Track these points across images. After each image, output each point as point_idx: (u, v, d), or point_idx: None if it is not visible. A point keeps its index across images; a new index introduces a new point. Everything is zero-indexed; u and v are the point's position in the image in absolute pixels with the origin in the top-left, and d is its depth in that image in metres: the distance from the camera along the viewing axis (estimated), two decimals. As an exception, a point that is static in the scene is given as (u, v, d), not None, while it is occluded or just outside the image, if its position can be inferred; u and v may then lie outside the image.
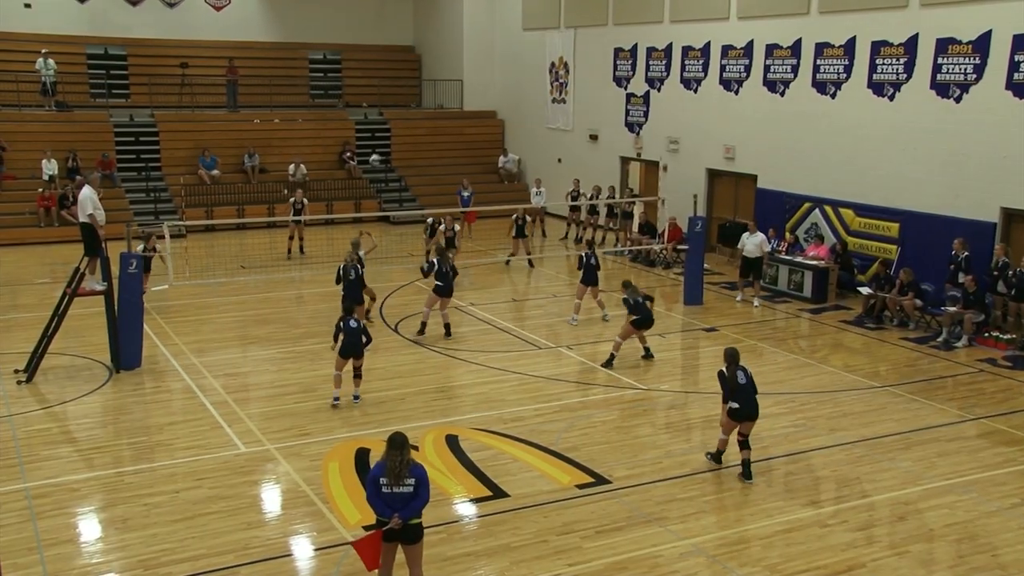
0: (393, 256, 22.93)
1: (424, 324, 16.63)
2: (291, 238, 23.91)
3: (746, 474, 10.88)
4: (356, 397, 13.32)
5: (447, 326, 16.55)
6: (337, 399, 13.17)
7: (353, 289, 15.92)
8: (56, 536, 9.46)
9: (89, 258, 14.44)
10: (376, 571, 8.04)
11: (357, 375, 13.38)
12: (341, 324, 13.12)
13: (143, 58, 31.47)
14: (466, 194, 26.52)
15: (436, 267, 16.51)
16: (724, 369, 10.87)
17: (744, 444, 10.91)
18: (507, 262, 22.87)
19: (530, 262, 22.98)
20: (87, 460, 11.45)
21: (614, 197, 25.74)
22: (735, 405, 10.72)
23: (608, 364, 15.00)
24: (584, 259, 17.65)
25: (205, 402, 13.37)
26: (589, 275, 17.52)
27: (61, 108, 28.75)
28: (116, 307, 14.54)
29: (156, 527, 9.64)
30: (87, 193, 14.39)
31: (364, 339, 13.23)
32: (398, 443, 7.74)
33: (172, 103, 30.42)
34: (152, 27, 31.80)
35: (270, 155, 29.54)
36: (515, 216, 22.67)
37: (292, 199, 24.60)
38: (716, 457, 11.26)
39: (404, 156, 31.81)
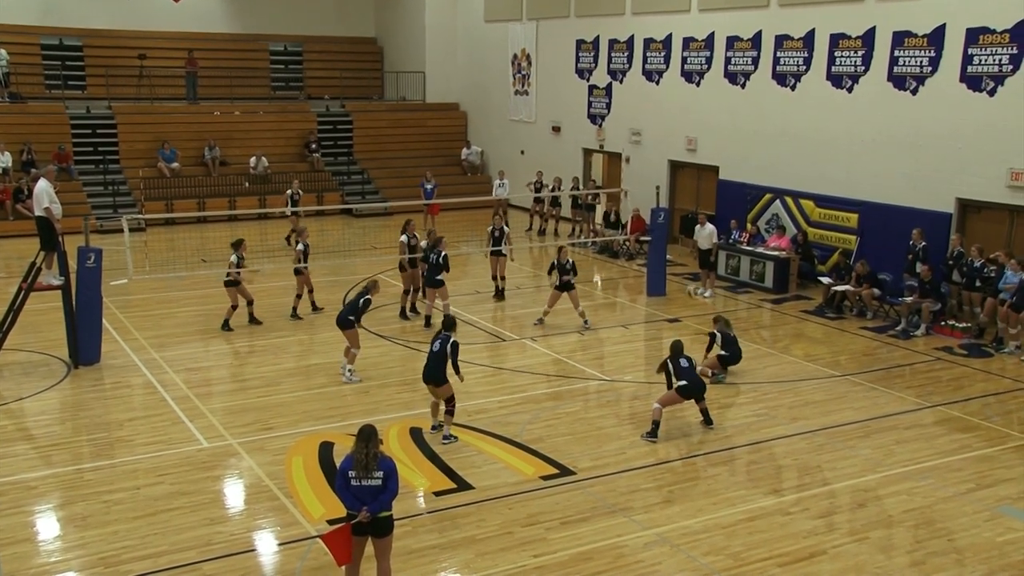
0: (356, 249, 22.83)
1: (427, 317, 16.90)
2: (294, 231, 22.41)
3: (707, 420, 12.24)
4: (446, 438, 11.60)
5: (427, 317, 16.86)
6: (434, 427, 11.85)
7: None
8: (13, 535, 9.32)
9: (46, 252, 14.21)
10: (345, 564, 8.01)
11: (447, 410, 11.61)
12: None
13: (100, 49, 30.94)
14: (429, 187, 26.44)
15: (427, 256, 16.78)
16: (668, 360, 12.09)
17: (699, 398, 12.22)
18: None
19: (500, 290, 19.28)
20: (45, 457, 11.28)
21: (578, 188, 25.79)
22: (683, 383, 11.91)
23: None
24: (554, 265, 16.83)
25: (166, 397, 13.22)
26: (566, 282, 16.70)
27: (15, 100, 28.23)
28: (74, 302, 14.34)
29: (117, 524, 9.52)
30: (43, 186, 14.17)
31: (450, 363, 11.41)
32: (366, 435, 7.73)
33: (130, 95, 29.97)
34: (109, 17, 31.27)
35: (231, 148, 29.25)
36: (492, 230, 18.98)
37: (288, 191, 23.75)
38: (653, 432, 11.84)
39: (366, 148, 31.64)
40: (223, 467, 11.03)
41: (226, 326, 16.48)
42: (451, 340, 11.55)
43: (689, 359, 12.17)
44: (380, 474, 7.67)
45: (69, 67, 30.38)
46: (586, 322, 16.87)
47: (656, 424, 11.85)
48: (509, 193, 26.70)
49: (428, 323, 16.70)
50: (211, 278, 19.96)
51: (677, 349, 12.20)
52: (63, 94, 29.36)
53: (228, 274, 16.49)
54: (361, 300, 13.90)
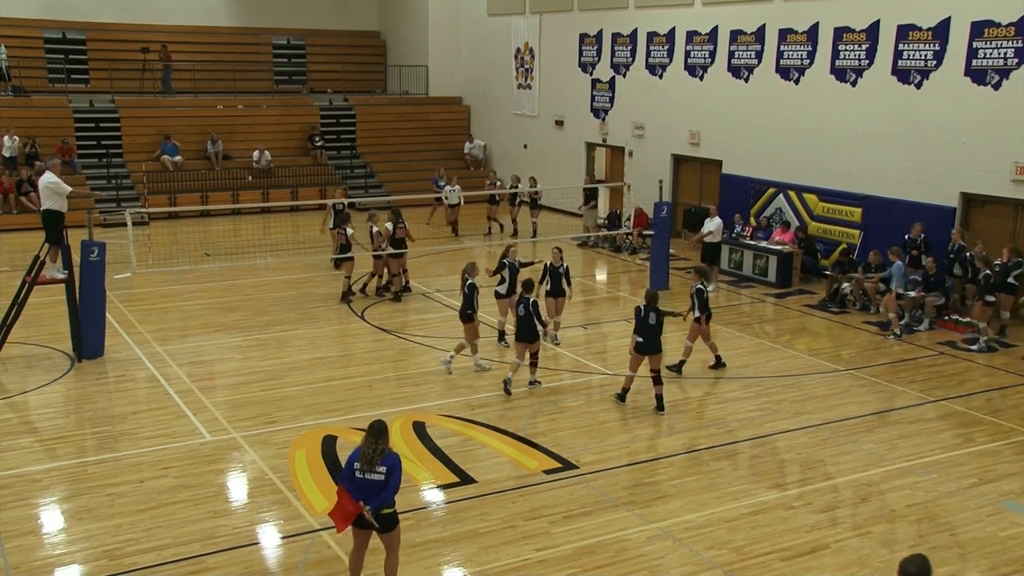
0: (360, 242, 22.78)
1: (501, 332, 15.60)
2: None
3: (659, 407, 12.55)
4: (532, 383, 13.43)
5: (501, 332, 15.60)
6: (531, 382, 13.48)
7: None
8: (18, 527, 9.35)
9: (50, 246, 14.21)
10: (345, 541, 7.96)
11: (532, 362, 13.40)
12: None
13: (103, 43, 30.93)
14: (442, 183, 26.24)
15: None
16: (641, 307, 12.48)
17: (657, 380, 12.54)
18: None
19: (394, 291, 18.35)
20: (49, 450, 11.31)
21: (536, 187, 24.99)
22: (640, 339, 12.42)
23: (679, 368, 14.06)
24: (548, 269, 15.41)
25: (170, 391, 13.24)
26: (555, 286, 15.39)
27: (18, 93, 28.23)
28: (78, 295, 14.35)
29: (120, 517, 9.55)
30: (52, 179, 14.17)
31: (536, 323, 13.05)
32: (376, 431, 7.75)
33: (133, 88, 29.97)
34: (112, 11, 31.25)
35: (234, 142, 29.24)
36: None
37: (332, 202, 21.53)
38: (622, 396, 12.78)
39: (369, 142, 31.63)
40: (226, 460, 11.04)
41: (379, 292, 18.37)
42: (531, 301, 13.02)
43: (658, 314, 12.38)
44: (383, 469, 7.66)
45: (72, 60, 30.37)
46: (555, 338, 15.45)
47: (625, 390, 12.80)
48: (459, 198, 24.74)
49: (502, 338, 15.40)
50: (214, 272, 20.02)
51: (651, 299, 12.54)
52: (66, 88, 29.37)
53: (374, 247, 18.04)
54: (466, 287, 14.02)
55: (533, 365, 13.38)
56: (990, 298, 15.68)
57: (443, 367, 14.10)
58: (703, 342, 14.17)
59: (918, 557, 5.95)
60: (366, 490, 7.67)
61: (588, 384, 13.86)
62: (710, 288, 19.16)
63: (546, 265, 15.49)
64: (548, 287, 15.31)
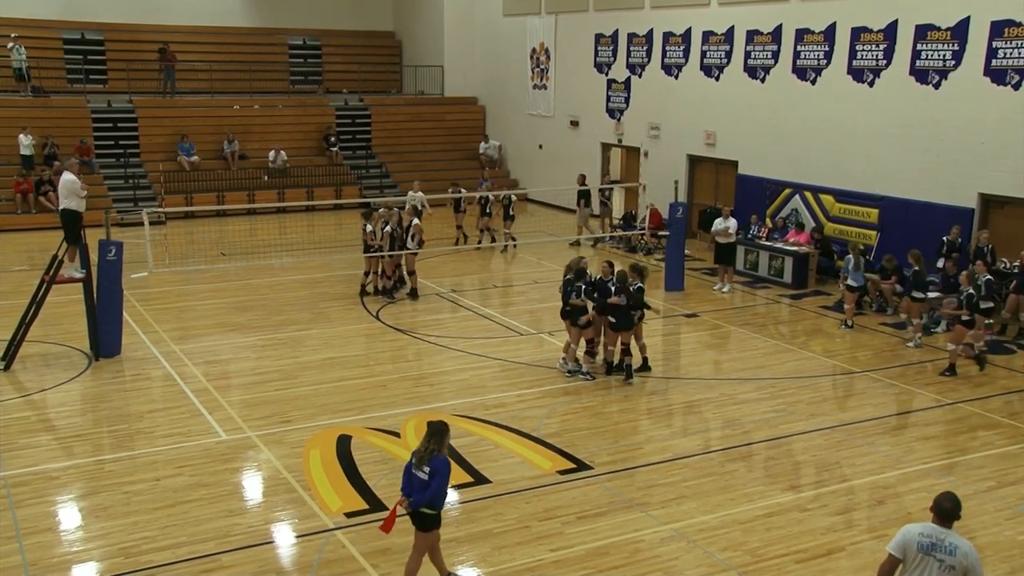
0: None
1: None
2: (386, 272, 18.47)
3: (628, 376, 13.62)
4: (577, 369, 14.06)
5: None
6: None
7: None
8: (35, 524, 9.41)
9: (68, 245, 14.30)
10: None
11: (586, 349, 14.08)
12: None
13: (121, 43, 31.12)
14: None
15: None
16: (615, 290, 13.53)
17: (626, 351, 13.64)
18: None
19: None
20: (66, 448, 11.38)
21: (509, 193, 24.15)
22: (613, 320, 13.49)
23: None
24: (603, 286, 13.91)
25: (185, 390, 13.30)
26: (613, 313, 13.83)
27: (37, 93, 28.43)
28: (95, 294, 14.43)
29: (136, 515, 9.60)
30: (71, 178, 14.26)
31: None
32: (431, 431, 7.91)
33: (151, 89, 30.13)
34: (130, 11, 31.42)
35: (250, 142, 29.35)
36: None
37: (381, 213, 18.62)
38: (620, 369, 13.72)
39: (385, 142, 31.69)
40: (241, 459, 11.09)
41: (389, 293, 18.23)
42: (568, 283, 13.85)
43: (628, 295, 13.29)
44: (427, 470, 7.77)
45: (91, 61, 30.56)
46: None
47: (608, 363, 13.84)
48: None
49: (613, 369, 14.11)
50: (229, 271, 20.10)
51: (621, 281, 13.42)
52: (84, 88, 29.55)
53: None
54: (564, 283, 13.92)
55: (589, 354, 13.96)
56: (918, 295, 15.78)
57: (582, 377, 13.84)
58: (634, 341, 13.96)
59: (951, 494, 6.50)
60: (413, 484, 7.86)
61: (603, 384, 13.83)
62: (724, 289, 19.21)
63: (595, 279, 14.06)
64: (595, 306, 13.86)
